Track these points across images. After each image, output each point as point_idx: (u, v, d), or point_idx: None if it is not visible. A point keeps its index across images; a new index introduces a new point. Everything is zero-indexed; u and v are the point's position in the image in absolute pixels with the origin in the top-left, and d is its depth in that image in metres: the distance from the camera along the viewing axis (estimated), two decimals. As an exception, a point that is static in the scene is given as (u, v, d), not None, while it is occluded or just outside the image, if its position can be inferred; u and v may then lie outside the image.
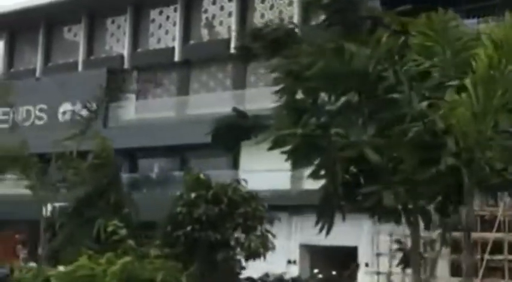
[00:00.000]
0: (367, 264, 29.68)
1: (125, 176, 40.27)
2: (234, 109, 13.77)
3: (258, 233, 15.77)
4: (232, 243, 15.07)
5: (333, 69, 12.00)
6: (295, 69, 12.50)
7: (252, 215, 14.49)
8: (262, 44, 14.12)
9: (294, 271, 31.49)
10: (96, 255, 14.72)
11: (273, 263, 31.43)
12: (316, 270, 30.30)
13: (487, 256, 24.64)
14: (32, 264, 33.89)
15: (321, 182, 28.95)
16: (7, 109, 44.62)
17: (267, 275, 28.96)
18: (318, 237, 32.90)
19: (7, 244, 38.69)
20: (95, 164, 18.57)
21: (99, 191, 18.25)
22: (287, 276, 29.20)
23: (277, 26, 14.77)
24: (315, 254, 32.13)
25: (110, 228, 15.95)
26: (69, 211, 19.39)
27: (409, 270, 25.19)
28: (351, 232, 30.28)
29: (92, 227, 17.54)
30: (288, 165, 35.61)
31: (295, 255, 32.35)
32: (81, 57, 43.75)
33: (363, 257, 30.00)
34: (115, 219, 16.66)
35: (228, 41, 36.97)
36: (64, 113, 41.79)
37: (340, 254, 30.79)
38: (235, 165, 35.70)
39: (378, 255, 26.36)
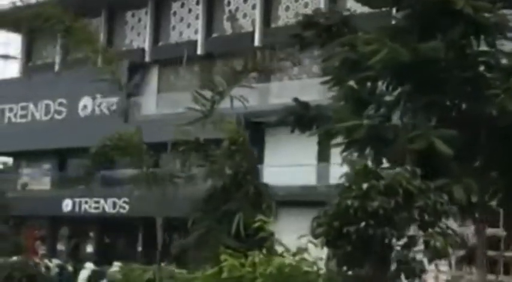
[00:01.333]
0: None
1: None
2: (295, 99, 13.27)
3: (437, 229, 13.08)
4: (406, 240, 12.79)
5: (399, 57, 11.60)
6: (352, 58, 12.18)
7: (433, 208, 12.37)
8: (315, 32, 13.69)
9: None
10: (237, 254, 12.62)
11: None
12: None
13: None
14: (56, 260, 33.95)
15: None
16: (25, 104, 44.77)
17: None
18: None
19: (26, 240, 38.59)
20: (231, 151, 16.24)
21: (236, 182, 15.92)
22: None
23: (330, 14, 14.31)
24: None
25: (255, 224, 13.45)
26: (202, 205, 16.36)
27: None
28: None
29: (230, 223, 15.30)
30: (313, 160, 35.44)
31: (323, 254, 31.96)
32: (101, 50, 43.43)
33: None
34: (255, 213, 14.30)
35: (252, 34, 36.70)
36: (84, 107, 41.68)
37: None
38: (259, 159, 35.34)
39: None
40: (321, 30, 13.69)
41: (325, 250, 30.14)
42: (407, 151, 11.97)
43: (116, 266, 30.22)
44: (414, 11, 13.40)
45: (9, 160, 48.88)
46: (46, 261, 32.70)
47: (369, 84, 12.93)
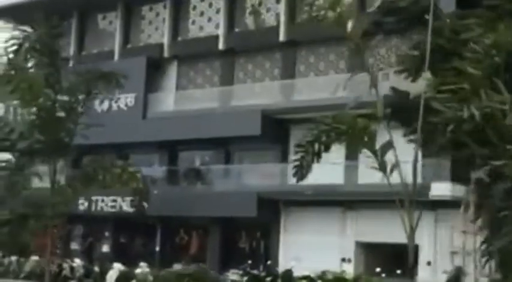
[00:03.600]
0: (429, 263, 29.07)
1: (163, 169, 40.09)
2: (393, 88, 12.77)
3: None
4: None
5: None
6: (443, 45, 11.69)
7: None
8: (396, 19, 13.19)
9: (348, 270, 30.94)
10: None
11: (325, 261, 31.09)
12: (378, 269, 29.65)
13: None
14: (78, 261, 33.67)
15: (376, 176, 27.91)
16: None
17: (323, 273, 28.43)
18: (374, 234, 32.67)
19: (42, 239, 38.22)
20: None
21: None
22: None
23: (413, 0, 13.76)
24: (370, 252, 31.64)
25: None
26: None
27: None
28: (410, 229, 29.74)
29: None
30: (340, 158, 34.98)
31: (349, 253, 31.78)
32: (117, 45, 43.32)
33: (424, 255, 29.33)
34: None
35: (276, 29, 36.44)
36: (101, 102, 41.35)
37: (399, 252, 30.13)
38: (284, 158, 35.12)
39: (453, 253, 25.60)
40: (404, 16, 13.20)
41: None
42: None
43: (143, 266, 30.14)
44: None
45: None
46: (68, 261, 32.47)
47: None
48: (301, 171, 14.38)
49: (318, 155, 14.41)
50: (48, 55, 15.57)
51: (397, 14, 13.16)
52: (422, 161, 30.55)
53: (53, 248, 39.04)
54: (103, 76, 15.94)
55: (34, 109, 14.80)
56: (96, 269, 32.52)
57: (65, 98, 14.95)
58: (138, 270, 31.04)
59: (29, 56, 15.38)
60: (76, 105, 15.22)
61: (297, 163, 14.44)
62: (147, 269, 31.18)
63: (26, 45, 15.35)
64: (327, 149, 14.02)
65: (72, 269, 31.64)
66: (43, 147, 15.53)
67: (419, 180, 29.65)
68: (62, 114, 14.94)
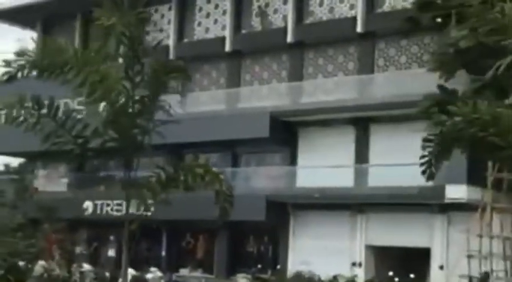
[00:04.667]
0: (441, 267, 28.86)
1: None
2: (439, 86, 12.30)
3: None
4: None
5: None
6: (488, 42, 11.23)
7: None
8: (435, 15, 12.74)
9: (359, 274, 30.79)
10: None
11: (335, 265, 30.90)
12: (391, 273, 29.45)
13: None
14: (87, 266, 33.33)
15: (390, 178, 27.80)
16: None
17: (335, 277, 28.29)
18: (385, 237, 32.50)
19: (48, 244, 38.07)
20: None
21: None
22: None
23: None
24: (381, 256, 31.49)
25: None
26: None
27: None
28: (421, 232, 29.63)
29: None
30: (350, 160, 34.77)
31: (359, 257, 31.58)
32: (122, 47, 43.00)
33: (436, 259, 29.15)
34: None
35: (284, 31, 36.25)
36: (106, 106, 41.23)
37: (410, 256, 30.01)
38: (292, 161, 34.93)
39: (469, 257, 25.36)
40: (440, 12, 12.78)
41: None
42: None
43: (154, 271, 29.88)
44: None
45: (13, 161, 48.50)
46: (75, 266, 32.24)
47: None
48: (430, 169, 12.90)
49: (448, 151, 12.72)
50: (131, 44, 14.08)
51: (434, 10, 12.78)
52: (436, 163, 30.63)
53: (61, 252, 39.02)
54: (175, 69, 14.75)
55: (105, 104, 13.81)
56: (107, 273, 32.23)
57: (141, 92, 13.81)
58: (149, 276, 30.84)
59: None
60: (151, 100, 14.10)
61: (425, 159, 12.87)
62: (159, 274, 30.96)
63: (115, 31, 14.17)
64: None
65: (81, 274, 31.40)
66: (116, 146, 14.34)
67: (432, 182, 29.58)
68: (135, 109, 13.75)
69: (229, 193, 14.35)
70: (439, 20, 13.11)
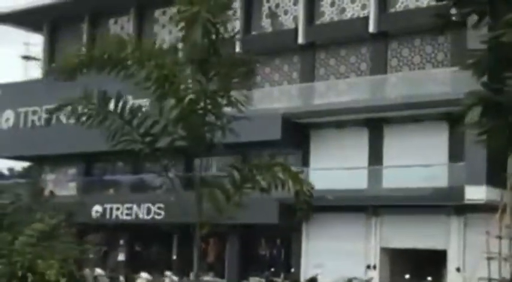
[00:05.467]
0: (458, 269, 28.63)
1: (180, 176, 39.61)
2: (483, 83, 11.76)
3: None
4: None
5: None
6: None
7: None
8: (469, 10, 12.18)
9: (374, 277, 30.57)
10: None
11: (349, 268, 30.68)
12: (407, 276, 29.21)
13: None
14: (99, 270, 33.02)
15: (404, 180, 27.52)
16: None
17: (350, 280, 28.04)
18: (400, 240, 32.26)
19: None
20: None
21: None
22: None
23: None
24: (396, 258, 31.25)
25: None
26: None
27: None
28: (437, 234, 29.41)
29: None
30: (363, 162, 34.54)
31: (374, 259, 31.36)
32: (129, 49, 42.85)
33: (453, 261, 28.91)
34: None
35: (295, 32, 36.05)
36: (115, 108, 41.05)
37: (426, 259, 29.78)
38: (304, 163, 34.68)
39: (489, 259, 25.10)
40: (478, 7, 12.24)
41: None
42: None
43: (169, 275, 29.57)
44: None
45: (15, 165, 48.41)
46: (87, 270, 31.90)
47: None
48: None
49: None
50: (217, 32, 12.91)
51: (469, 5, 12.27)
52: (452, 164, 30.47)
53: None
54: (242, 62, 13.71)
55: (173, 100, 12.97)
56: (122, 278, 32.00)
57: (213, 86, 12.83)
58: (167, 280, 30.61)
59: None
60: (222, 95, 13.22)
61: None
62: (175, 278, 30.71)
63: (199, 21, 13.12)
64: None
65: (95, 278, 31.16)
66: (185, 145, 13.42)
67: (449, 183, 29.36)
68: (207, 106, 12.79)
69: (309, 194, 13.34)
70: (471, 16, 12.53)
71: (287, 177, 13.07)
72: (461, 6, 12.11)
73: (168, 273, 31.68)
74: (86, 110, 13.39)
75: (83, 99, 13.42)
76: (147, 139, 13.14)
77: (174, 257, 38.41)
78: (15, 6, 46.24)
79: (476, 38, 12.33)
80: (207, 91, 12.73)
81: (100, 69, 13.37)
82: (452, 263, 29.04)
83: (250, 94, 14.22)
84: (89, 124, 13.54)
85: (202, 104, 12.80)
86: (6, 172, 53.67)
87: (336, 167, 32.38)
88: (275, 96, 36.62)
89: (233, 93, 13.43)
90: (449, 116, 30.19)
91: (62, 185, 44.96)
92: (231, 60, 13.24)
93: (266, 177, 13.06)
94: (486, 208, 26.71)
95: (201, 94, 12.63)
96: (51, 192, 41.62)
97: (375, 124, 32.93)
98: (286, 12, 37.46)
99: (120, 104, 13.18)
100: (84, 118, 13.56)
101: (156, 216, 37.30)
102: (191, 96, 12.69)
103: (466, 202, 27.41)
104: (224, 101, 13.17)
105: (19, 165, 54.09)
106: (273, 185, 13.19)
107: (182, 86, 12.82)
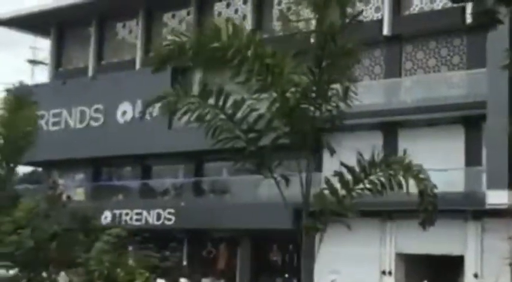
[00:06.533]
0: (476, 275, 28.29)
1: (190, 181, 39.43)
2: None
3: None
4: None
5: None
6: None
7: None
8: None
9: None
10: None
11: (364, 274, 30.36)
12: (425, 282, 28.95)
13: None
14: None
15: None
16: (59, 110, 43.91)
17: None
18: (416, 245, 31.92)
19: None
20: None
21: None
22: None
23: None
24: (412, 264, 30.95)
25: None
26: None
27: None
28: (454, 239, 29.05)
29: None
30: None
31: (389, 265, 31.03)
32: (138, 54, 42.70)
33: (470, 267, 28.58)
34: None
35: (308, 35, 35.66)
36: (124, 113, 40.79)
37: (442, 264, 29.44)
38: (317, 167, 34.36)
39: (511, 265, 24.76)
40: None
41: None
42: None
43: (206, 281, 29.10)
44: None
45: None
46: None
47: None
48: None
49: None
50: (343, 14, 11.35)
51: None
52: (469, 168, 30.14)
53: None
54: (351, 52, 12.26)
55: (274, 93, 11.82)
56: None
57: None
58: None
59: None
60: (331, 88, 11.97)
61: None
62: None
63: None
64: None
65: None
66: (289, 142, 12.24)
67: (465, 188, 29.03)
68: (317, 99, 11.64)
69: (432, 194, 12.24)
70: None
71: (408, 176, 12.01)
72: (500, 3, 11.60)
73: (183, 280, 31.38)
74: (184, 104, 12.35)
75: (183, 92, 12.38)
76: (251, 135, 12.24)
77: (185, 263, 38.12)
78: (22, 11, 46.09)
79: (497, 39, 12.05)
80: (320, 82, 11.63)
81: (193, 60, 12.48)
82: (469, 269, 28.71)
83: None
84: (186, 119, 12.56)
85: (312, 96, 11.70)
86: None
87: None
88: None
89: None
90: (465, 120, 29.90)
91: (70, 191, 44.68)
92: (344, 49, 12.05)
93: (382, 177, 11.99)
94: (504, 213, 26.40)
95: (310, 86, 11.58)
96: (69, 197, 41.36)
97: (389, 128, 32.62)
98: (298, 15, 37.18)
99: (222, 98, 12.21)
100: (180, 112, 12.52)
101: (167, 222, 37.04)
102: (298, 88, 11.61)
103: (488, 207, 27.07)
104: (332, 94, 12.04)
105: (21, 171, 53.79)
106: (388, 185, 12.08)
107: (286, 78, 11.69)
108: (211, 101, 12.14)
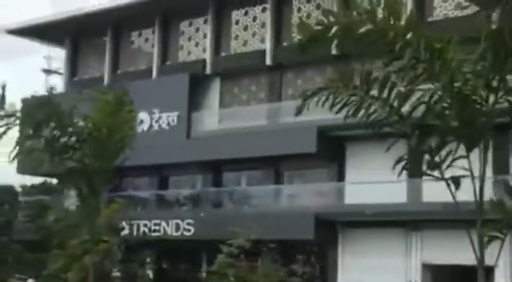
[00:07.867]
0: (508, 289, 27.79)
1: (210, 191, 38.97)
2: None
3: None
4: None
5: None
6: None
7: None
8: None
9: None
10: None
11: (389, 284, 29.86)
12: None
13: None
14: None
15: (442, 193, 26.28)
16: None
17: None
18: (442, 255, 31.30)
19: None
20: None
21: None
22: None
23: None
24: (439, 275, 30.42)
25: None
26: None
27: None
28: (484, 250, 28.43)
29: None
30: (402, 175, 33.38)
31: (415, 276, 30.50)
32: (155, 63, 42.33)
33: (500, 278, 28.01)
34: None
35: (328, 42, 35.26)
36: (141, 122, 40.34)
37: (470, 275, 28.82)
38: (340, 177, 33.91)
39: None
40: None
41: None
42: None
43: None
44: None
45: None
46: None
47: None
48: None
49: None
50: None
51: None
52: (495, 176, 29.60)
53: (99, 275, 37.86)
54: None
55: (439, 84, 10.34)
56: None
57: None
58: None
59: None
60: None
61: None
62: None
63: None
64: None
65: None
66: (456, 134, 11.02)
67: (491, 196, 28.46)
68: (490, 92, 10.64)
69: None
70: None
71: None
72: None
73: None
74: (344, 96, 11.64)
75: (342, 84, 11.64)
76: (417, 132, 11.38)
77: (204, 275, 37.55)
78: (36, 20, 45.77)
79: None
80: (503, 72, 10.54)
81: (342, 44, 11.62)
82: (499, 280, 28.16)
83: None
84: (346, 112, 11.81)
85: (493, 85, 10.70)
86: (19, 189, 52.72)
87: (373, 180, 31.55)
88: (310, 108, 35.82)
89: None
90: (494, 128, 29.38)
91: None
92: None
93: None
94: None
95: (488, 75, 10.48)
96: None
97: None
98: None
99: (387, 89, 11.33)
100: (340, 105, 11.77)
101: (186, 233, 36.55)
102: (471, 77, 10.64)
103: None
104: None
105: (30, 182, 53.38)
106: None
107: (457, 65, 10.68)
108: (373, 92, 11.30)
